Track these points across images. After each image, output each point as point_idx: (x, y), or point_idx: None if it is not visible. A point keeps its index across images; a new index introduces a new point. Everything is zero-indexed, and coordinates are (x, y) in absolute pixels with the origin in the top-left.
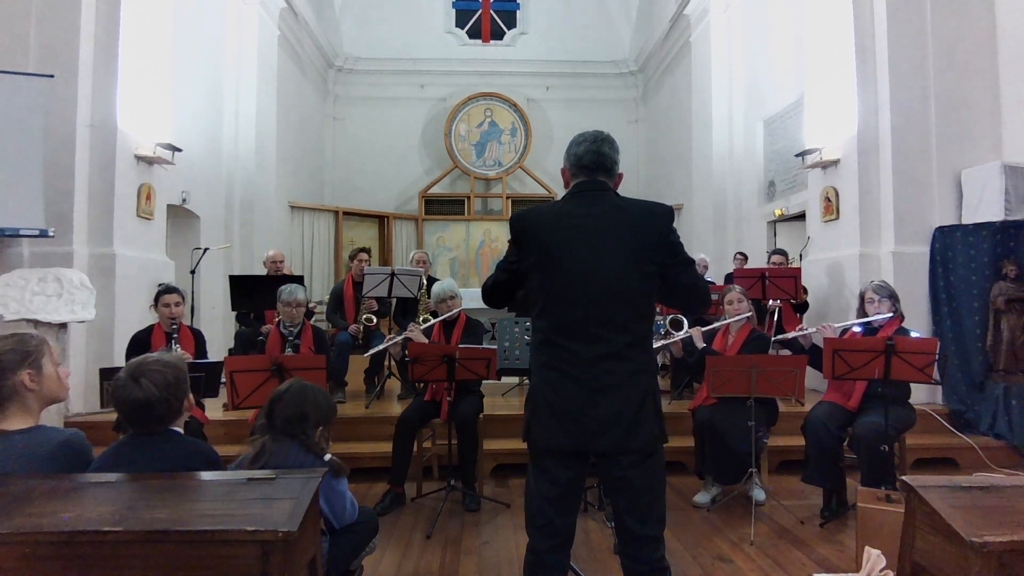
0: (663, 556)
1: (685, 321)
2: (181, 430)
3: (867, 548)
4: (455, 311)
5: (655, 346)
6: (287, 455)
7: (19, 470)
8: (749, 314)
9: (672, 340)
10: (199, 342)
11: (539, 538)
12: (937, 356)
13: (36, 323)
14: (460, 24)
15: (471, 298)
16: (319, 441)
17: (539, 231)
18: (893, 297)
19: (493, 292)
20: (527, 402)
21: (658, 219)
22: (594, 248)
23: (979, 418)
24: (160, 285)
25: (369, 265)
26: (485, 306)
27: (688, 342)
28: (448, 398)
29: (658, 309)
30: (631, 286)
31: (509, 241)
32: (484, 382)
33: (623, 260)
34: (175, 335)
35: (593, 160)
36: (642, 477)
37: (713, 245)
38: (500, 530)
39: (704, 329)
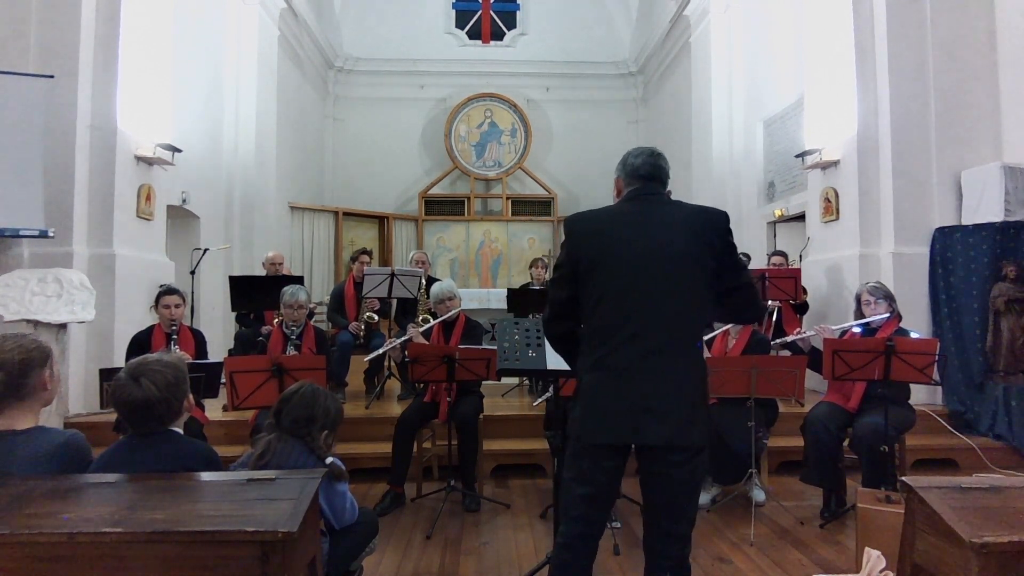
0: (688, 556)
1: None
2: (181, 430)
3: (867, 549)
4: (454, 311)
5: None
6: (290, 455)
7: (19, 470)
8: None
9: None
10: (199, 343)
11: (570, 525)
12: (937, 357)
13: (36, 323)
14: (460, 25)
15: (470, 298)
16: (323, 444)
17: (595, 230)
18: (889, 297)
19: (555, 317)
20: (576, 399)
21: (715, 218)
22: (650, 245)
23: (979, 419)
24: (161, 286)
25: (370, 266)
26: (485, 307)
27: None
28: (448, 398)
29: None
30: (686, 283)
31: (559, 250)
32: (484, 382)
33: (679, 257)
34: (175, 336)
35: (650, 171)
36: (685, 475)
37: None
38: (500, 530)
39: (706, 338)
